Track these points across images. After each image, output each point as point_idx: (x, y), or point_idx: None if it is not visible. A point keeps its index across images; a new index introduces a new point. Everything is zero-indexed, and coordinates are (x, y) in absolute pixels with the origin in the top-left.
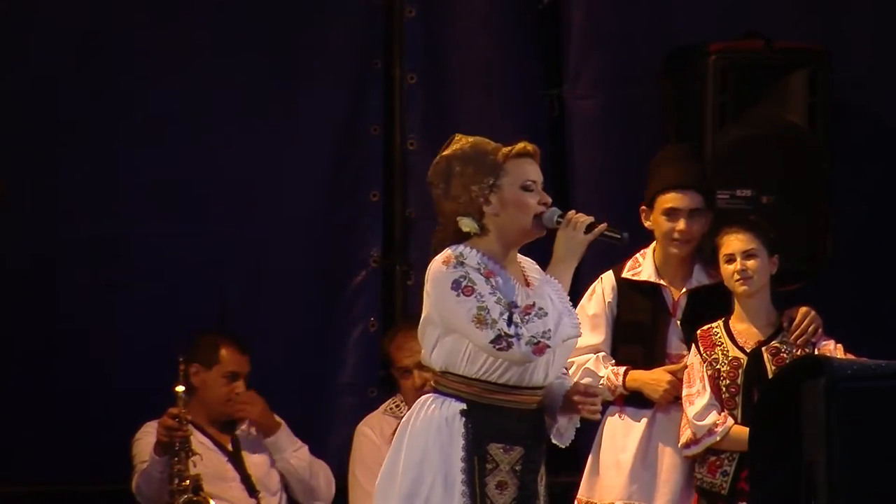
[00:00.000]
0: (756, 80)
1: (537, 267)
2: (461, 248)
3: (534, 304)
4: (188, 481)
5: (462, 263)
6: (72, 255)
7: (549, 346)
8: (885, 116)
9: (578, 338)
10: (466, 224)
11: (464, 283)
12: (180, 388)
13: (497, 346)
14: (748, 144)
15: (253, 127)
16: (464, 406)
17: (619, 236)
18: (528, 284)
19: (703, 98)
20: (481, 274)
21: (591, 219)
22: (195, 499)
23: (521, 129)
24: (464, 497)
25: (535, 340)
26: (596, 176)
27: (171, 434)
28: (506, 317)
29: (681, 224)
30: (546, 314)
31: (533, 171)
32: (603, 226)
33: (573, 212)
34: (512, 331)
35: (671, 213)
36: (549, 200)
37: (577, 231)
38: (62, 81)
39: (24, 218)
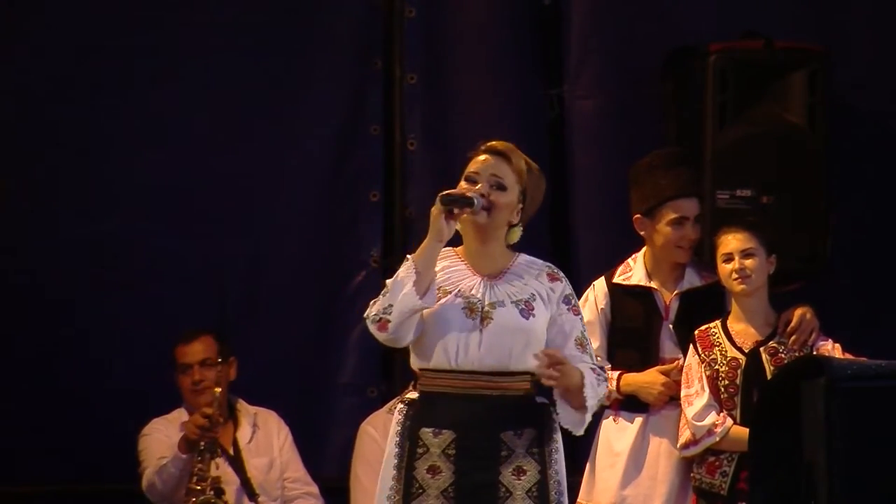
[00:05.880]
0: (756, 80)
1: (537, 267)
2: None
3: (386, 285)
4: (208, 482)
5: None
6: (72, 255)
7: (389, 321)
8: (885, 116)
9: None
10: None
11: None
12: (218, 389)
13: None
14: (748, 144)
15: (253, 127)
16: (413, 397)
17: (465, 198)
18: (495, 277)
19: (703, 98)
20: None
21: (454, 192)
22: (216, 502)
23: (521, 129)
24: (393, 480)
25: (378, 318)
26: (596, 176)
27: (202, 433)
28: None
29: (690, 233)
30: (388, 292)
31: (477, 163)
32: (450, 192)
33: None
34: (369, 311)
35: (680, 223)
36: (478, 190)
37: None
38: (62, 82)
39: (24, 218)
